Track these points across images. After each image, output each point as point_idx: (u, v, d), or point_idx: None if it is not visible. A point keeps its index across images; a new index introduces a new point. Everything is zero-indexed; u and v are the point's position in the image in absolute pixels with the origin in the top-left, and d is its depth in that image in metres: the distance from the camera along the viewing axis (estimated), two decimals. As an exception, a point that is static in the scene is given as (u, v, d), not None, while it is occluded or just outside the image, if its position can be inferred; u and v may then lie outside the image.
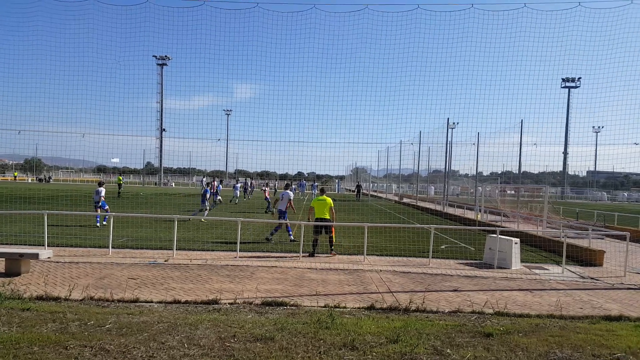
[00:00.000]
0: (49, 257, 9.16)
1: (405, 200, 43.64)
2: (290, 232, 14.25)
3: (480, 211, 23.58)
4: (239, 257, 10.99)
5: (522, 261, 11.44)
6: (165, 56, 71.52)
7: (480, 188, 27.32)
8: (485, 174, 32.88)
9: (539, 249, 14.31)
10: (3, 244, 11.38)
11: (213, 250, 11.90)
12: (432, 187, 48.27)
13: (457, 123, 46.73)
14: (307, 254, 11.66)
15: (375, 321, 6.11)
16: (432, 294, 8.14)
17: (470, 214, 24.75)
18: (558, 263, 11.66)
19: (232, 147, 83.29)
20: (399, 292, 8.25)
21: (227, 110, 78.94)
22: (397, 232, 16.40)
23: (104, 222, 16.07)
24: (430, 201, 39.30)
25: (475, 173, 29.60)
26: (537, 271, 10.79)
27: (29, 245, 11.34)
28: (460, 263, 11.46)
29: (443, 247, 14.01)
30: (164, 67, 74.43)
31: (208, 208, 19.47)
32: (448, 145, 32.14)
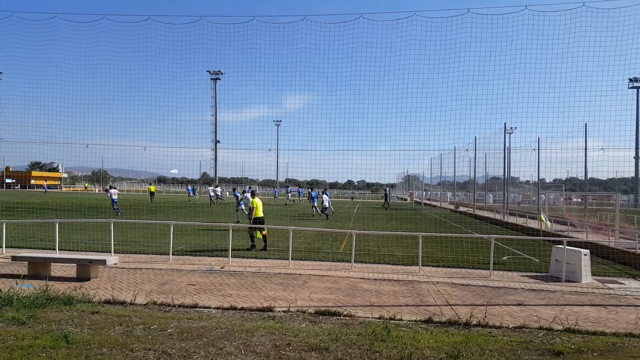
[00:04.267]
0: (115, 263, 9.70)
1: (461, 208, 42.14)
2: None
3: (545, 220, 22.25)
4: (292, 265, 11.07)
5: (593, 274, 10.61)
6: (219, 71, 74.15)
7: (543, 196, 25.76)
8: (547, 180, 30.96)
9: (612, 261, 13.21)
10: (74, 251, 12.20)
11: (266, 258, 12.07)
12: (491, 195, 46.20)
13: (515, 128, 44.69)
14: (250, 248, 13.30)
15: (434, 335, 5.87)
16: (495, 307, 7.72)
17: (533, 223, 23.42)
18: (635, 277, 10.71)
19: (282, 157, 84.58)
20: (458, 305, 7.90)
21: (277, 120, 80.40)
22: (454, 242, 15.82)
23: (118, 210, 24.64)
24: (489, 210, 37.67)
25: (536, 180, 28.03)
26: (611, 285, 9.96)
27: (98, 252, 12.09)
28: (524, 275, 10.82)
29: (505, 258, 13.33)
30: (217, 81, 77.40)
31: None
32: (506, 151, 30.70)
